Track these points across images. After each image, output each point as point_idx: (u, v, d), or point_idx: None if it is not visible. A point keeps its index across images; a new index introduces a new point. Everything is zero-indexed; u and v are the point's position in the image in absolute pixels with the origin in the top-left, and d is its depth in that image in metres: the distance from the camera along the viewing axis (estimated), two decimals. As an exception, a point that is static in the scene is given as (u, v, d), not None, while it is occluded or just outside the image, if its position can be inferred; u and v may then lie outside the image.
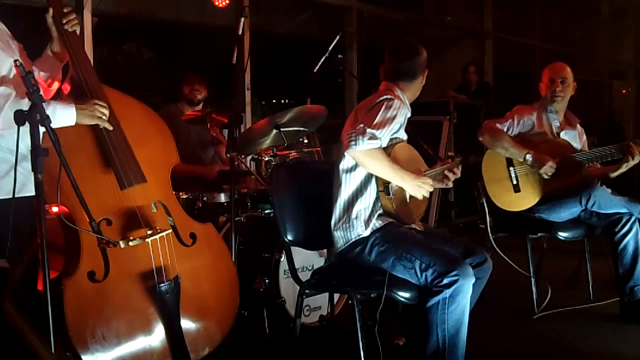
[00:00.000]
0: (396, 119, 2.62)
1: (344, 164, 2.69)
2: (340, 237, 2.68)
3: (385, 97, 2.65)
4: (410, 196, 2.70)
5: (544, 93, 3.86)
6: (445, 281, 2.42)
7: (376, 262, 2.60)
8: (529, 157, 3.60)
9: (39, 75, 2.50)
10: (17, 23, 2.47)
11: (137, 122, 2.65)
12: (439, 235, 2.85)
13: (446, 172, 2.80)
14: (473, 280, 2.46)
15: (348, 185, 2.69)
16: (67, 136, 2.32)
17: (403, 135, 2.80)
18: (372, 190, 2.66)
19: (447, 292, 2.41)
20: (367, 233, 2.62)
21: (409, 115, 2.82)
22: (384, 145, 2.63)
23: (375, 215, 2.64)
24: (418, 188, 2.62)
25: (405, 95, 2.79)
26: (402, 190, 2.66)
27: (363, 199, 2.65)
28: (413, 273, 2.50)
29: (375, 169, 2.59)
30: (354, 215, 2.64)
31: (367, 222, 2.63)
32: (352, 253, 2.66)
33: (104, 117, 2.43)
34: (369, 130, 2.51)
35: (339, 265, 2.77)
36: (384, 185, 2.62)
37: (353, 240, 2.64)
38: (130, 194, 2.53)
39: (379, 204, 2.65)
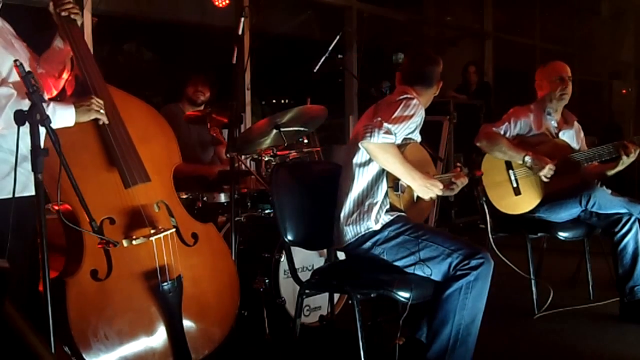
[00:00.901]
0: (413, 118, 2.66)
1: (358, 158, 2.73)
2: (349, 231, 2.69)
3: (405, 96, 2.72)
4: (418, 197, 2.73)
5: (543, 93, 3.83)
6: (473, 263, 2.47)
7: (390, 256, 2.61)
8: (527, 159, 3.59)
9: (49, 66, 2.49)
10: (18, 23, 2.47)
11: (140, 122, 2.65)
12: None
13: (454, 179, 2.83)
14: (493, 265, 2.51)
15: (361, 179, 2.71)
16: (70, 135, 2.33)
17: (417, 137, 2.83)
18: (383, 185, 2.69)
19: (473, 275, 2.46)
20: (377, 227, 2.65)
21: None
22: (398, 142, 2.66)
23: (384, 210, 2.67)
24: (426, 189, 2.65)
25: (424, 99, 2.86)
26: (410, 189, 2.70)
27: (375, 194, 2.68)
28: (438, 259, 2.52)
29: (387, 163, 2.62)
30: (365, 208, 2.67)
31: (377, 216, 2.65)
32: (361, 249, 2.67)
33: (101, 111, 2.42)
34: (385, 124, 2.57)
35: (343, 261, 2.77)
36: (393, 182, 2.67)
37: (362, 233, 2.66)
38: (133, 193, 2.53)
39: (388, 200, 2.68)
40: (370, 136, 2.55)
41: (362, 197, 2.70)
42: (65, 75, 2.58)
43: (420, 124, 2.79)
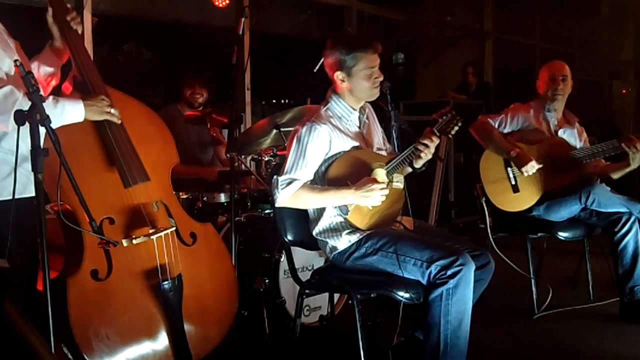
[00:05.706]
0: (314, 141, 2.56)
1: None
2: (322, 246, 2.71)
3: (295, 130, 2.63)
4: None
5: (542, 91, 3.86)
6: (450, 272, 2.44)
7: (374, 268, 2.60)
8: (513, 154, 3.62)
9: (39, 72, 2.50)
10: (16, 23, 2.47)
11: (138, 123, 2.65)
12: (438, 235, 2.84)
13: (419, 147, 2.65)
14: (474, 267, 2.48)
15: None
16: (70, 135, 2.33)
17: (348, 146, 2.66)
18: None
19: (452, 283, 2.43)
20: (342, 245, 2.63)
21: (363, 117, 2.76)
22: (310, 177, 2.59)
23: (346, 230, 2.63)
24: (364, 198, 2.55)
25: (347, 95, 2.70)
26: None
27: (327, 213, 2.65)
28: (417, 273, 2.50)
29: (306, 206, 2.64)
30: (327, 226, 2.66)
31: (339, 235, 2.63)
32: (346, 264, 2.66)
33: (112, 112, 2.43)
34: (280, 179, 2.57)
35: (336, 266, 2.77)
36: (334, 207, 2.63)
37: (329, 253, 2.67)
38: (133, 193, 2.53)
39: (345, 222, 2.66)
40: (276, 197, 2.57)
41: (320, 212, 2.67)
42: (53, 83, 2.58)
43: (346, 129, 2.66)
